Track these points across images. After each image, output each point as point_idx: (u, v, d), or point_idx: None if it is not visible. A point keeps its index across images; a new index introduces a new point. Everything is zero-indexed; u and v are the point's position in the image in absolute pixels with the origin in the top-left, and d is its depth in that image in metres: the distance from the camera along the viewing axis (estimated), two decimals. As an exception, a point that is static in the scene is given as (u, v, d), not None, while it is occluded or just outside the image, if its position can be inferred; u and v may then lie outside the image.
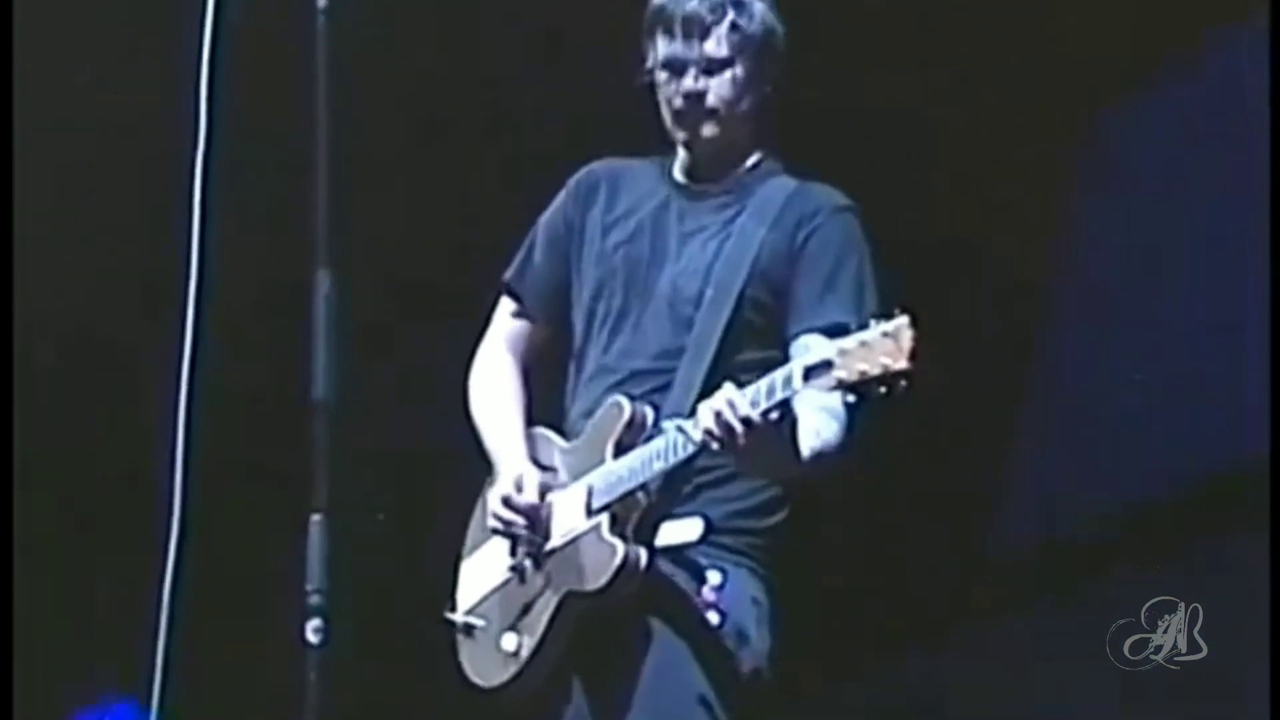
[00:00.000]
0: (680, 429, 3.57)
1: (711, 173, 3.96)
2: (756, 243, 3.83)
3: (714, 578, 3.72)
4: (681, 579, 3.72)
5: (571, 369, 4.00)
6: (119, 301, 6.33)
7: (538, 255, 4.09)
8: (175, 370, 3.60)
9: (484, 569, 3.96)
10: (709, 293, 3.82)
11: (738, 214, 3.89)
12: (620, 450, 3.73)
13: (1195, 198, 5.92)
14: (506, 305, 4.15)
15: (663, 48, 3.90)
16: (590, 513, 3.74)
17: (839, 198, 3.90)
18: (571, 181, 4.10)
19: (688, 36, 3.87)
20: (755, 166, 3.96)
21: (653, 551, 3.69)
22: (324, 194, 3.51)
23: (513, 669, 3.82)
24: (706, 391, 3.62)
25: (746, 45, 3.88)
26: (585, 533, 3.74)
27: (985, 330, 6.19)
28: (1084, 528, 6.20)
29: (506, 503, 3.82)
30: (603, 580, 3.67)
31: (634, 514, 3.71)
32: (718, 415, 3.47)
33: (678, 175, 3.99)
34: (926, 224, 5.89)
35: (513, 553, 3.87)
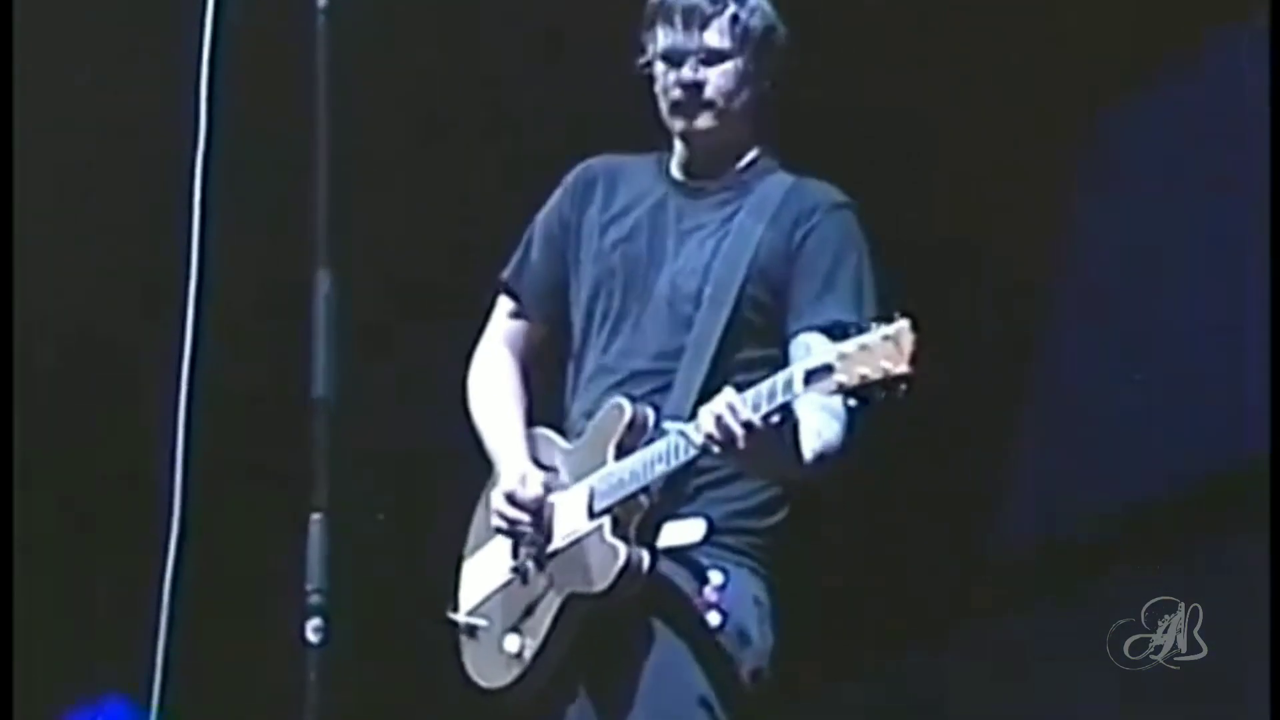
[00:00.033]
0: (682, 433, 3.57)
1: (709, 169, 3.96)
2: (755, 240, 3.83)
3: (716, 578, 3.72)
4: (683, 579, 3.72)
5: (570, 369, 4.00)
6: (119, 301, 6.33)
7: (535, 254, 4.09)
8: (175, 370, 3.60)
9: (486, 569, 3.95)
10: (708, 291, 3.81)
11: (736, 211, 3.89)
12: (621, 452, 3.72)
13: (1195, 198, 5.92)
14: (504, 304, 4.15)
15: (662, 38, 3.90)
16: (592, 515, 3.74)
17: (836, 195, 3.90)
18: (568, 178, 4.10)
19: (688, 27, 3.87)
20: (753, 163, 3.96)
21: (655, 553, 3.69)
22: (324, 194, 3.51)
23: (516, 671, 3.82)
24: (707, 391, 3.62)
25: (747, 38, 3.88)
26: (587, 534, 3.73)
27: (985, 330, 6.18)
28: (1084, 528, 6.20)
29: (511, 500, 3.82)
30: (606, 582, 3.67)
31: (636, 516, 3.70)
32: (718, 419, 3.47)
33: (675, 172, 3.99)
34: (926, 224, 5.89)
35: (515, 554, 3.87)
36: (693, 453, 3.57)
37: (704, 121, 3.90)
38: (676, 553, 3.72)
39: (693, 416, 3.56)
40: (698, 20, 3.87)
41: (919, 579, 6.29)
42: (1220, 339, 5.72)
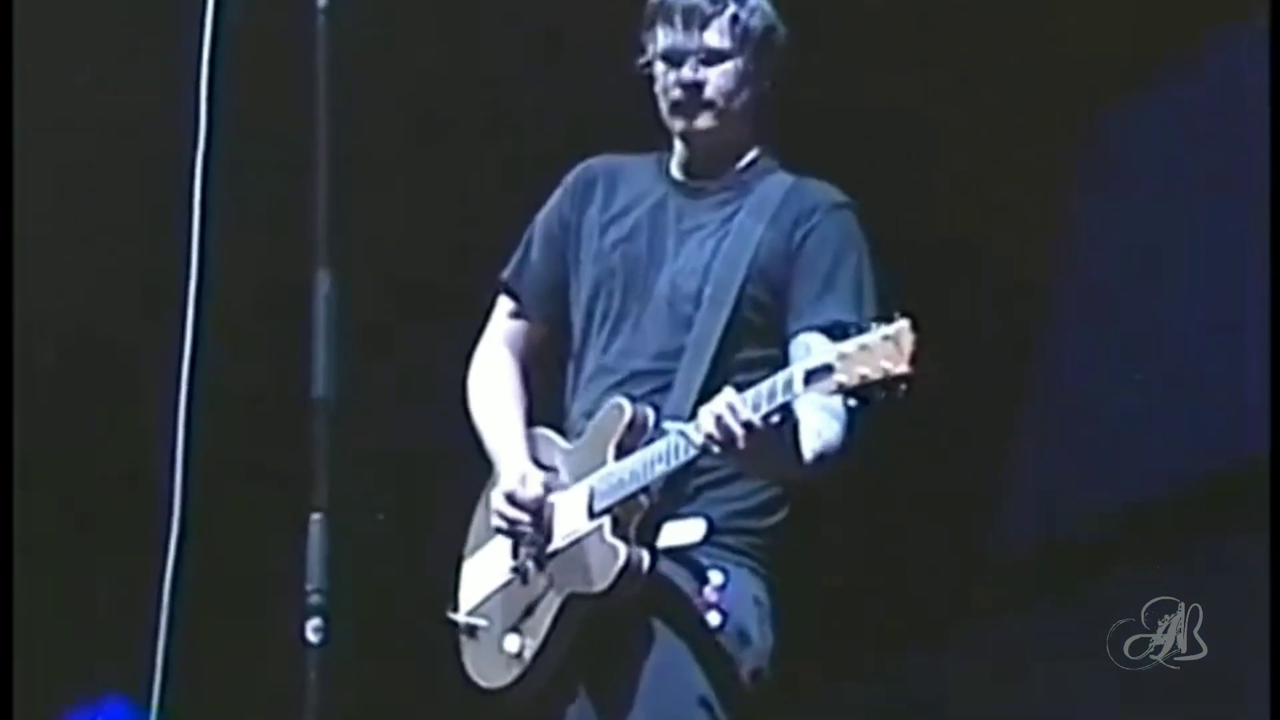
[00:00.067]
0: (682, 433, 3.57)
1: (709, 169, 3.96)
2: (755, 240, 3.83)
3: (716, 578, 3.72)
4: (683, 579, 3.72)
5: (570, 369, 4.00)
6: (119, 301, 6.33)
7: (535, 254, 4.09)
8: (175, 370, 3.60)
9: (486, 569, 3.95)
10: (708, 291, 3.81)
11: (736, 211, 3.89)
12: (622, 452, 3.72)
13: (1195, 198, 5.92)
14: (504, 304, 4.15)
15: (662, 38, 3.90)
16: (592, 515, 3.74)
17: (836, 194, 3.90)
18: (568, 178, 4.09)
19: (688, 27, 3.87)
20: (753, 163, 3.96)
21: (655, 553, 3.69)
22: (324, 194, 3.51)
23: (516, 671, 3.82)
24: (707, 391, 3.62)
25: (747, 38, 3.87)
26: (587, 534, 3.73)
27: (985, 330, 6.19)
28: (1084, 528, 6.20)
29: (511, 500, 3.82)
30: (606, 582, 3.67)
31: (636, 516, 3.70)
32: (718, 420, 3.47)
33: (675, 172, 3.99)
34: (926, 224, 5.89)
35: (515, 554, 3.87)
36: (693, 453, 3.57)
37: (704, 121, 3.90)
38: (676, 553, 3.72)
39: (693, 416, 3.56)
40: (698, 20, 3.87)
41: (919, 579, 6.29)
42: (1220, 339, 5.72)
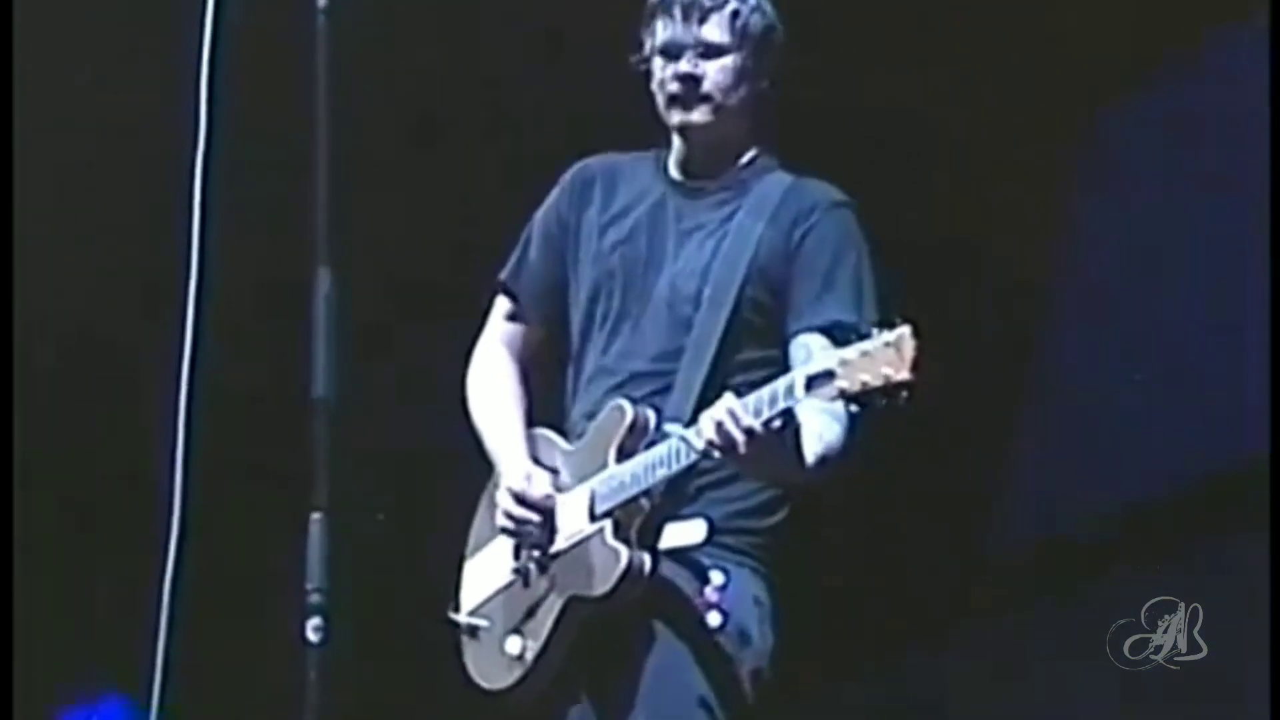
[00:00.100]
0: (683, 438, 3.56)
1: (707, 168, 3.95)
2: (754, 240, 3.82)
3: (717, 578, 3.71)
4: (684, 580, 3.71)
5: (570, 370, 3.99)
6: (119, 301, 6.33)
7: (533, 254, 4.08)
8: (175, 370, 3.60)
9: (487, 570, 3.95)
10: (707, 292, 3.80)
11: (735, 211, 3.88)
12: (622, 454, 3.72)
13: (1195, 198, 5.92)
14: (502, 305, 4.14)
15: (661, 32, 3.89)
16: (593, 517, 3.73)
17: (835, 194, 3.89)
18: (565, 178, 4.08)
19: (687, 20, 3.86)
20: (751, 162, 3.95)
21: (656, 555, 3.69)
22: (324, 194, 3.51)
23: (517, 672, 3.81)
24: (707, 393, 3.62)
25: (746, 35, 3.87)
26: (589, 537, 3.73)
27: (985, 330, 6.19)
28: (1084, 528, 6.20)
29: (519, 499, 3.81)
30: (607, 586, 3.66)
31: (637, 519, 3.70)
32: (719, 425, 3.46)
33: (673, 171, 3.98)
34: (926, 224, 5.90)
35: (516, 555, 3.87)
36: (694, 457, 3.56)
37: (700, 115, 3.88)
38: (677, 553, 3.72)
39: (693, 418, 3.56)
40: (697, 14, 3.86)
41: (919, 579, 6.29)
42: (1220, 339, 5.72)
